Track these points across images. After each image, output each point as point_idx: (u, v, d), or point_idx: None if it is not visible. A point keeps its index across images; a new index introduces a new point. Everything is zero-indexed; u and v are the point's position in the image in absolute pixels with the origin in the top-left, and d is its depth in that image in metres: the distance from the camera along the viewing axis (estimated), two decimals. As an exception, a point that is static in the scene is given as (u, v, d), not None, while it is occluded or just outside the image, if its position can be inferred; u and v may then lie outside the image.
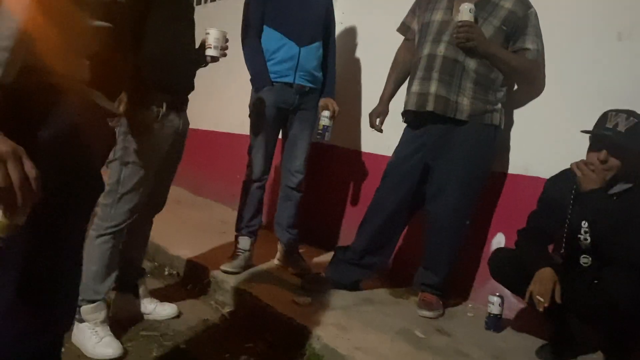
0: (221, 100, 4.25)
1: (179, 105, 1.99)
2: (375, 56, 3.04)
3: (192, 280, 2.64)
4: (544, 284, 1.80)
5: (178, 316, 2.24)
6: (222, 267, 2.53)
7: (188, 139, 2.10)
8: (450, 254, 2.32)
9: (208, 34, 2.04)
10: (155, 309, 2.21)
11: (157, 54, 1.81)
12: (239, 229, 2.68)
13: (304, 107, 2.63)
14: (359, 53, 3.26)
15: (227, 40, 2.07)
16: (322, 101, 2.66)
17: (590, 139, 1.88)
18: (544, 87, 2.37)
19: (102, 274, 1.90)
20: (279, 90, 2.55)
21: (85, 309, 1.89)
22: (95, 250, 1.88)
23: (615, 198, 1.84)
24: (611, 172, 1.82)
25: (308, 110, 2.65)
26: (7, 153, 0.75)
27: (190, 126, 2.12)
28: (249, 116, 2.65)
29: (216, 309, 2.37)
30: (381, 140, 2.87)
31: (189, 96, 2.07)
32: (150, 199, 2.01)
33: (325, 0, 2.68)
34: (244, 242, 2.65)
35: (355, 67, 3.26)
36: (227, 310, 2.36)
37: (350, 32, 3.27)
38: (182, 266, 2.74)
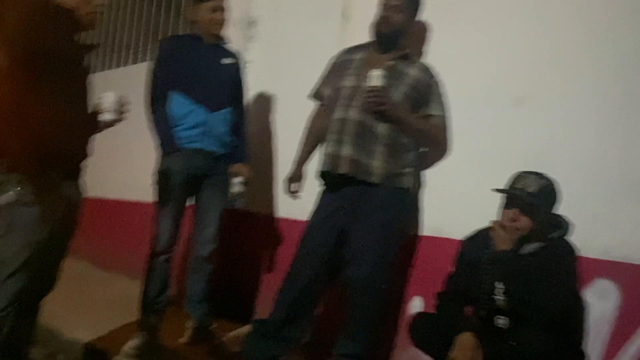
0: (126, 167, 4.05)
1: (73, 173, 1.83)
2: (288, 119, 3.04)
3: (90, 367, 2.36)
4: (464, 349, 1.78)
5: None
6: (124, 349, 2.29)
7: (91, 209, 1.93)
8: (371, 320, 2.24)
9: (101, 98, 1.92)
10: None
11: (47, 120, 1.66)
12: (143, 307, 2.46)
13: (215, 172, 2.54)
14: (271, 118, 3.25)
15: (124, 104, 1.94)
16: (235, 167, 2.58)
17: (503, 198, 1.94)
18: (449, 150, 2.45)
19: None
20: (188, 156, 2.45)
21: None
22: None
23: (527, 258, 1.89)
24: (521, 231, 1.87)
25: (219, 175, 2.56)
26: None
27: (94, 194, 1.96)
28: (155, 183, 2.50)
29: (117, 401, 2.12)
30: (297, 205, 2.82)
31: (89, 163, 1.92)
32: (38, 280, 1.78)
33: (234, 64, 2.65)
34: (149, 322, 2.43)
35: (267, 130, 3.23)
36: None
37: (262, 97, 3.26)
38: (79, 352, 2.45)
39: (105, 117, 1.91)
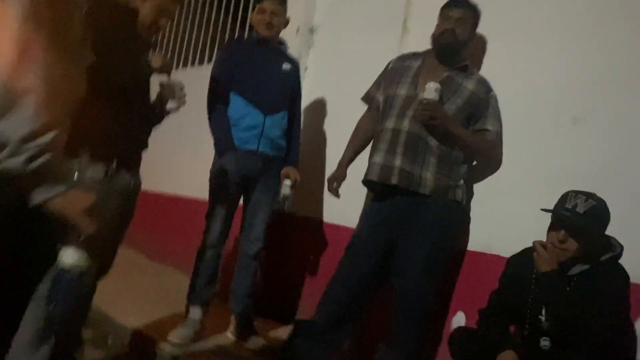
0: (185, 164, 4.20)
1: (131, 162, 1.92)
2: (341, 128, 3.07)
3: (137, 351, 2.46)
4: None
5: (117, 391, 2.07)
6: (170, 338, 2.38)
7: (147, 202, 2.02)
8: (415, 331, 2.24)
9: (162, 86, 2.00)
10: (93, 384, 2.03)
11: (107, 107, 1.75)
12: (190, 298, 2.54)
13: (267, 174, 2.60)
14: (325, 125, 3.30)
15: (182, 88, 2.02)
16: (285, 170, 2.63)
17: (552, 218, 1.90)
18: (500, 165, 2.41)
19: (35, 343, 1.74)
20: (242, 157, 2.52)
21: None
22: (29, 314, 1.72)
23: (574, 280, 1.84)
24: (568, 253, 1.82)
25: (271, 178, 2.62)
26: (93, 206, 0.86)
27: (151, 188, 2.04)
28: (209, 180, 2.59)
29: (160, 385, 2.20)
30: (342, 211, 2.85)
31: (149, 157, 2.01)
32: (95, 262, 1.89)
33: (292, 70, 2.71)
34: (195, 312, 2.51)
35: (320, 137, 3.28)
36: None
37: (317, 103, 3.32)
38: (127, 336, 2.56)
39: (169, 105, 2.00)
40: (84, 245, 0.91)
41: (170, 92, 2.02)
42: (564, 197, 1.86)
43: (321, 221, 3.15)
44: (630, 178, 2.04)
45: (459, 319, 2.42)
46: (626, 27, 2.12)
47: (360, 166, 2.46)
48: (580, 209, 1.80)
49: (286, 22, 2.70)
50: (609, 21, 2.18)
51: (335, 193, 2.53)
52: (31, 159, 0.79)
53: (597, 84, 2.18)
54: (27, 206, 0.84)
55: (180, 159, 4.23)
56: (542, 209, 1.88)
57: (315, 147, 3.25)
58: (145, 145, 2.02)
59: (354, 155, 2.58)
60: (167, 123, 2.30)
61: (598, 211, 1.82)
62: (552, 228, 1.87)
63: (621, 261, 1.84)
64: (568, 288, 1.81)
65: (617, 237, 1.88)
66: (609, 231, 1.89)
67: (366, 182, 2.39)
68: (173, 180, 4.33)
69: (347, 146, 2.60)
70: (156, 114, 2.03)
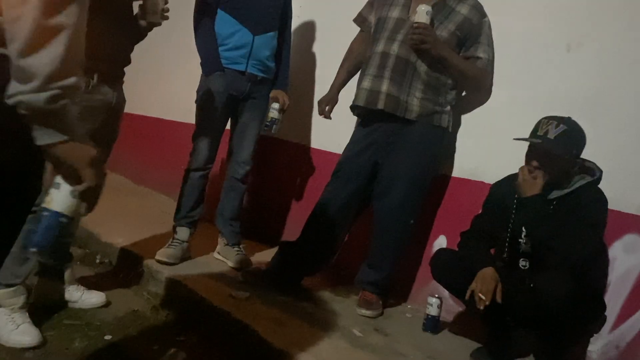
0: (169, 86, 4.11)
1: (113, 78, 1.87)
2: (331, 52, 3.00)
3: (124, 269, 2.50)
4: (485, 282, 1.82)
5: (106, 306, 2.12)
6: (157, 257, 2.42)
7: (131, 125, 1.98)
8: (395, 252, 2.30)
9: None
10: (82, 297, 2.08)
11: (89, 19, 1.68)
12: (177, 219, 2.57)
13: (255, 96, 2.56)
14: (314, 48, 3.22)
15: (166, 2, 1.95)
16: (274, 92, 2.59)
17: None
18: (490, 94, 2.40)
19: (22, 255, 1.76)
20: (230, 77, 2.47)
21: (2, 293, 1.75)
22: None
23: (553, 204, 1.88)
24: (545, 178, 1.84)
25: (259, 99, 2.58)
26: (95, 158, 0.88)
27: (135, 112, 2.00)
28: (196, 102, 2.55)
29: (148, 300, 2.25)
30: (331, 137, 2.84)
31: (133, 78, 1.96)
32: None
33: None
34: (182, 233, 2.54)
35: (310, 61, 3.21)
36: (159, 301, 2.24)
37: (307, 26, 3.22)
38: (115, 254, 2.60)
39: (150, 18, 1.92)
40: (80, 195, 0.92)
41: (152, 5, 1.93)
42: (537, 125, 1.88)
43: (309, 147, 3.14)
44: (619, 104, 2.05)
45: (440, 242, 2.49)
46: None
47: (351, 93, 2.42)
48: (551, 135, 1.81)
49: None
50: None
51: (328, 115, 2.51)
52: (54, 98, 0.79)
53: (591, 12, 2.14)
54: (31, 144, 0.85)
55: (165, 80, 4.13)
56: (515, 138, 1.89)
57: (305, 70, 3.18)
58: (127, 60, 1.96)
59: (347, 78, 2.55)
60: (151, 42, 2.23)
61: (570, 135, 1.83)
62: (527, 155, 1.89)
63: (603, 186, 1.88)
64: (548, 211, 1.85)
65: (601, 163, 1.91)
66: (592, 156, 1.92)
67: (353, 107, 2.38)
68: (158, 103, 4.26)
69: (339, 69, 2.56)
70: (138, 28, 1.96)
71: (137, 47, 2.05)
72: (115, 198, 3.40)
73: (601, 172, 1.89)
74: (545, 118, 1.87)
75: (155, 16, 1.93)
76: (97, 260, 2.63)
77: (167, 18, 1.99)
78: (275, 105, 2.53)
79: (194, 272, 2.40)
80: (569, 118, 1.86)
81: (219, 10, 2.48)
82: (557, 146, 1.81)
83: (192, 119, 2.61)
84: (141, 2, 1.96)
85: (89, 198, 0.93)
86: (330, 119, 2.53)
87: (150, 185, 4.23)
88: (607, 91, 2.08)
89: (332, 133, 2.61)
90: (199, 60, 2.51)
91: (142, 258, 2.45)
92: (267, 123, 2.53)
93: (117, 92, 1.89)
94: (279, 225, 3.19)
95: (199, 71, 2.54)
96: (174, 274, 2.31)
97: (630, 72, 2.03)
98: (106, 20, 1.75)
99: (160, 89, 4.20)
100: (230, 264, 2.59)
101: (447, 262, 2.01)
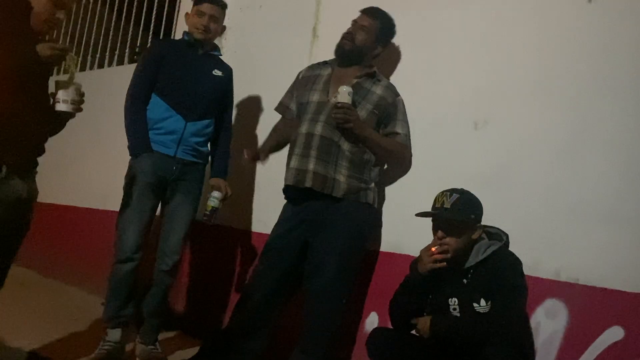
0: (81, 172, 3.93)
1: (25, 169, 1.75)
2: (250, 133, 3.04)
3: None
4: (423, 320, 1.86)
5: None
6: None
7: (39, 214, 1.85)
8: (328, 334, 2.25)
9: (57, 87, 1.79)
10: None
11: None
12: (106, 319, 2.37)
13: (186, 178, 2.48)
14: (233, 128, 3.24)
15: (82, 95, 1.80)
16: (214, 181, 2.53)
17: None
18: (410, 167, 2.51)
19: None
20: (159, 159, 2.40)
21: None
22: None
23: (470, 272, 1.92)
24: (453, 248, 1.88)
25: (189, 182, 2.50)
26: None
27: (44, 200, 1.87)
28: (123, 188, 2.42)
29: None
30: (262, 218, 2.80)
31: (43, 168, 1.84)
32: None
33: (224, 76, 2.61)
34: (114, 334, 2.34)
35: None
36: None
37: (244, 105, 3.24)
38: (23, 360, 2.34)
39: (60, 107, 1.78)
40: None
41: (63, 94, 1.78)
42: (435, 199, 1.97)
43: (236, 229, 3.07)
44: (522, 179, 2.19)
45: (372, 320, 2.47)
46: (527, 38, 2.28)
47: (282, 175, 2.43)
48: (447, 204, 1.91)
49: (222, 29, 2.62)
50: (509, 33, 2.33)
51: (262, 159, 2.46)
52: None
53: (500, 91, 2.32)
54: None
55: (77, 165, 3.96)
56: (416, 214, 1.97)
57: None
58: (41, 150, 1.86)
59: (275, 147, 2.54)
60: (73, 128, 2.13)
61: (464, 201, 1.92)
62: (433, 228, 1.97)
63: (519, 254, 1.95)
64: (465, 280, 1.91)
65: (514, 231, 2.02)
66: (504, 226, 2.02)
67: (284, 188, 2.38)
68: (70, 190, 4.05)
69: (267, 139, 2.59)
70: (57, 115, 1.86)
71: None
72: (20, 294, 3.12)
73: (507, 235, 2.00)
74: (441, 192, 1.97)
75: (65, 105, 1.78)
76: (1, 368, 2.35)
77: (80, 110, 1.83)
78: (216, 194, 2.46)
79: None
80: (462, 189, 1.97)
81: (152, 95, 2.44)
82: (453, 213, 1.90)
83: (108, 206, 2.50)
84: (52, 91, 1.85)
85: None
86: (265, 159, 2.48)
87: (59, 277, 3.92)
88: (513, 165, 2.23)
89: (263, 215, 2.56)
90: (116, 143, 2.44)
91: (55, 362, 2.23)
92: (207, 212, 2.44)
93: (28, 185, 1.77)
94: (207, 314, 3.03)
95: (116, 155, 2.46)
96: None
97: (535, 147, 2.20)
98: (16, 105, 1.67)
99: (71, 175, 4.02)
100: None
101: (383, 344, 1.98)
